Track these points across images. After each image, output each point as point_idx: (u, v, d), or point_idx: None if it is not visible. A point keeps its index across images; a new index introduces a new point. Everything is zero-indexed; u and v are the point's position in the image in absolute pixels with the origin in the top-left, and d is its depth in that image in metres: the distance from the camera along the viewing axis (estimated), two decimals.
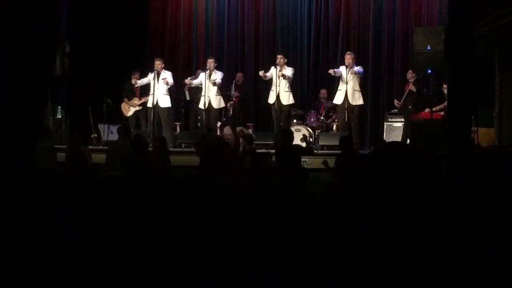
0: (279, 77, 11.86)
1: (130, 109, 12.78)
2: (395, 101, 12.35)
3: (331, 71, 11.91)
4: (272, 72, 12.07)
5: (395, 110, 12.36)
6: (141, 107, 12.66)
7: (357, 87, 11.75)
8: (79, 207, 2.63)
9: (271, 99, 12.05)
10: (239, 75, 13.33)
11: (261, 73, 12.19)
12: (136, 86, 12.65)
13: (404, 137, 11.65)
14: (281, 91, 11.91)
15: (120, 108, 12.93)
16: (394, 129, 12.00)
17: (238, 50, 14.91)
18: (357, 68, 11.79)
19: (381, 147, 2.72)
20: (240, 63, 14.75)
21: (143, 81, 12.48)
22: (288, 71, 12.02)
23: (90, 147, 11.18)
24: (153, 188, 3.16)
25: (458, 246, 2.26)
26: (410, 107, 11.95)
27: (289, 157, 8.54)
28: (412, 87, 11.89)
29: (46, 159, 8.75)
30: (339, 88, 11.83)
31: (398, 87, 13.16)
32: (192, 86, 12.75)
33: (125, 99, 12.83)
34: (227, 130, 10.31)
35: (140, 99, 12.70)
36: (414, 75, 12.13)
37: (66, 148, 9.73)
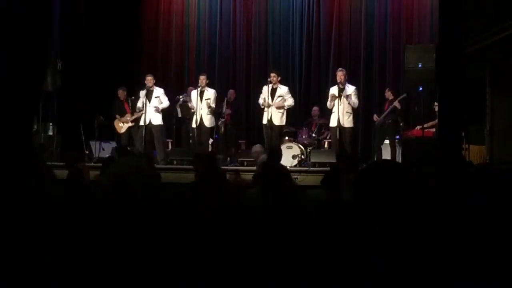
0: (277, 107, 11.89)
1: (123, 126, 12.72)
2: (375, 116, 12.33)
3: (328, 104, 11.92)
4: (264, 92, 12.00)
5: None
6: (133, 123, 12.60)
7: (349, 109, 11.69)
8: (74, 225, 2.63)
9: (265, 119, 11.98)
10: (231, 92, 13.30)
11: (261, 101, 12.16)
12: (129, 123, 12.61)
13: (392, 154, 11.67)
14: (273, 111, 11.86)
15: (114, 125, 12.90)
16: (386, 146, 11.99)
17: (229, 67, 14.96)
18: (354, 100, 11.70)
19: (369, 166, 2.74)
20: (232, 80, 14.79)
21: (139, 106, 12.40)
22: (284, 91, 11.99)
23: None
24: (146, 205, 3.16)
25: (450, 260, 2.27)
26: (401, 124, 11.98)
27: (275, 175, 8.49)
28: (397, 104, 11.87)
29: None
30: (333, 111, 11.76)
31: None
32: (191, 108, 12.63)
33: (117, 116, 12.78)
34: (258, 147, 10.20)
35: (132, 115, 12.64)
36: (390, 93, 12.18)
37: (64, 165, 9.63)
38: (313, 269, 2.37)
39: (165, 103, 12.35)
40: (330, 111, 11.86)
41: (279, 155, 9.04)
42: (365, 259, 2.22)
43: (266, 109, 11.89)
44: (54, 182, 7.90)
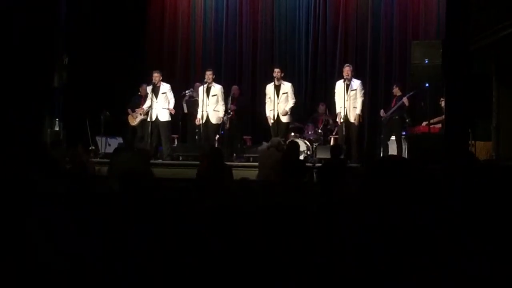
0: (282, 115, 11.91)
1: (136, 119, 12.75)
2: (381, 111, 12.31)
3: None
4: (270, 92, 12.01)
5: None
6: (146, 116, 12.55)
7: (355, 104, 11.67)
8: (79, 219, 2.64)
9: (272, 118, 12.00)
10: (234, 88, 13.23)
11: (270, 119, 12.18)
12: (143, 115, 12.61)
13: (398, 150, 11.66)
14: (280, 109, 11.88)
15: (122, 121, 12.94)
16: (392, 142, 11.99)
17: (235, 63, 14.94)
18: (360, 96, 11.75)
19: (377, 162, 2.73)
20: (238, 76, 14.78)
21: (147, 104, 12.44)
22: (288, 87, 11.99)
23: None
24: (150, 200, 3.17)
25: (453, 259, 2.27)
26: (408, 120, 11.97)
27: (295, 169, 8.50)
28: (405, 101, 11.85)
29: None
30: (339, 107, 11.75)
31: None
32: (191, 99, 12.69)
33: (129, 110, 12.81)
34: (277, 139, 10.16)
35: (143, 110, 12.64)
36: (398, 89, 12.17)
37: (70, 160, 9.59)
38: (315, 268, 2.37)
39: (171, 100, 12.35)
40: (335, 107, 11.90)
41: (298, 149, 9.08)
42: (365, 258, 2.22)
43: (271, 107, 11.91)
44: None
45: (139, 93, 12.93)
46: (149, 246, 2.45)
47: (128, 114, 12.96)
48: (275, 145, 9.53)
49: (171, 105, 12.33)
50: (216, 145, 12.11)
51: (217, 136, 12.45)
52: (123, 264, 2.39)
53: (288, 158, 8.84)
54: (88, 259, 2.35)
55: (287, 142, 10.39)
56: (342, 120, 11.63)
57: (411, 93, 11.99)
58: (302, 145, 11.89)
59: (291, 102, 12.01)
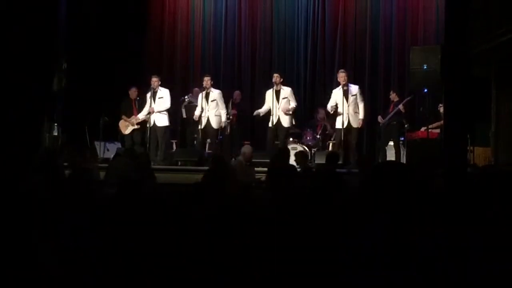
0: (285, 113, 11.87)
1: (128, 128, 12.66)
2: (379, 117, 12.31)
3: (329, 108, 11.88)
4: (268, 97, 11.99)
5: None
6: (138, 126, 12.53)
7: (357, 109, 11.65)
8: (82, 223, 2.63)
9: (270, 122, 11.93)
10: (237, 93, 13.29)
11: (256, 113, 12.21)
12: (139, 120, 12.52)
13: (397, 155, 11.64)
14: (281, 114, 11.85)
15: (118, 126, 12.84)
16: (391, 148, 11.97)
17: (235, 68, 14.94)
18: (361, 101, 11.77)
19: (376, 167, 2.73)
20: (237, 81, 14.77)
21: (144, 113, 12.41)
22: (288, 92, 11.97)
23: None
24: (150, 204, 3.16)
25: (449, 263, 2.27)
26: (406, 125, 11.96)
27: (283, 176, 8.48)
28: (401, 108, 11.84)
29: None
30: (339, 112, 11.64)
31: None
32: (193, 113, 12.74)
33: (123, 117, 12.73)
34: (248, 148, 10.17)
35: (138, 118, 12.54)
36: (395, 95, 12.17)
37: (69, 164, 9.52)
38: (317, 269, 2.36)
39: (167, 104, 12.31)
40: (335, 113, 11.81)
41: (288, 155, 9.06)
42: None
43: (272, 112, 11.87)
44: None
45: (129, 97, 12.84)
46: (148, 248, 2.44)
47: (121, 119, 12.81)
48: (242, 154, 9.69)
49: (163, 107, 12.30)
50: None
51: (216, 140, 12.44)
52: (122, 265, 2.38)
53: (276, 164, 8.82)
54: (88, 260, 2.34)
55: (278, 148, 10.36)
56: (344, 126, 11.53)
57: (408, 98, 12.00)
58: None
59: (292, 104, 11.99)
